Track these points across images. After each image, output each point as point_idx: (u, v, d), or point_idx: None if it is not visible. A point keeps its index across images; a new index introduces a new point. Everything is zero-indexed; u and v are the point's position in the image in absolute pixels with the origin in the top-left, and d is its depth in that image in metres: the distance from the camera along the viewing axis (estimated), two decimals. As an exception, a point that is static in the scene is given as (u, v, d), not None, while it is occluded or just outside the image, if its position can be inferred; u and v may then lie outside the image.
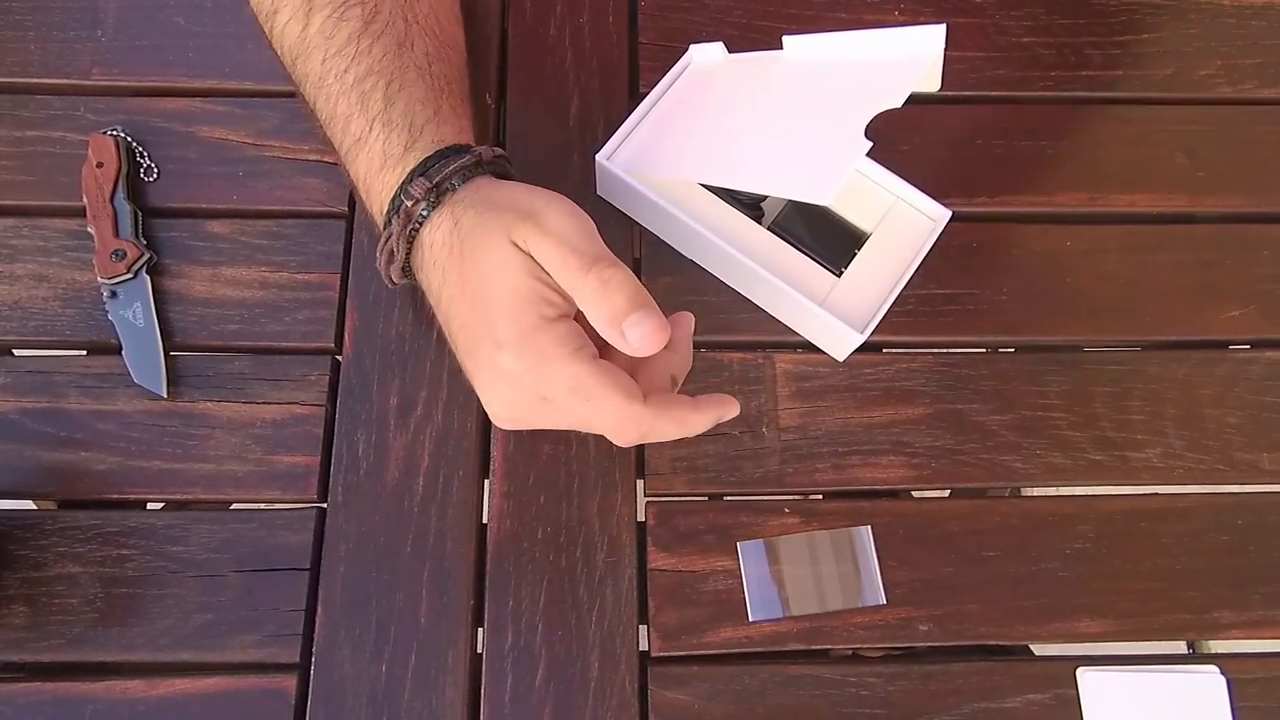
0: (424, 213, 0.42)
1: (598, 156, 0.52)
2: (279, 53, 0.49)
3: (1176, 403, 0.53)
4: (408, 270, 0.44)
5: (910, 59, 0.46)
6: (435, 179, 0.42)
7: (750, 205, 0.53)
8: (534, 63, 0.58)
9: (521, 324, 0.38)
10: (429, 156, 0.42)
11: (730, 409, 0.41)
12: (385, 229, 0.43)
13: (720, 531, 0.49)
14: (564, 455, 0.50)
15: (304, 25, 0.47)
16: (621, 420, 0.38)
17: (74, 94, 0.56)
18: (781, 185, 0.46)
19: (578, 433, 0.50)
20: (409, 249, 0.43)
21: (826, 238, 0.52)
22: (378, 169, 0.44)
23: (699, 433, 0.41)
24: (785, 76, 0.52)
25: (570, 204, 0.40)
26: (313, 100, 0.47)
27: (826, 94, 0.49)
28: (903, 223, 0.53)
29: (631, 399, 0.38)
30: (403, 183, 0.42)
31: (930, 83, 0.47)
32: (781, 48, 0.52)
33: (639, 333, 0.37)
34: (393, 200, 0.42)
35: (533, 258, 0.38)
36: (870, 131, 0.43)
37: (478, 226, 0.40)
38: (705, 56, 0.55)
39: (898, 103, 0.44)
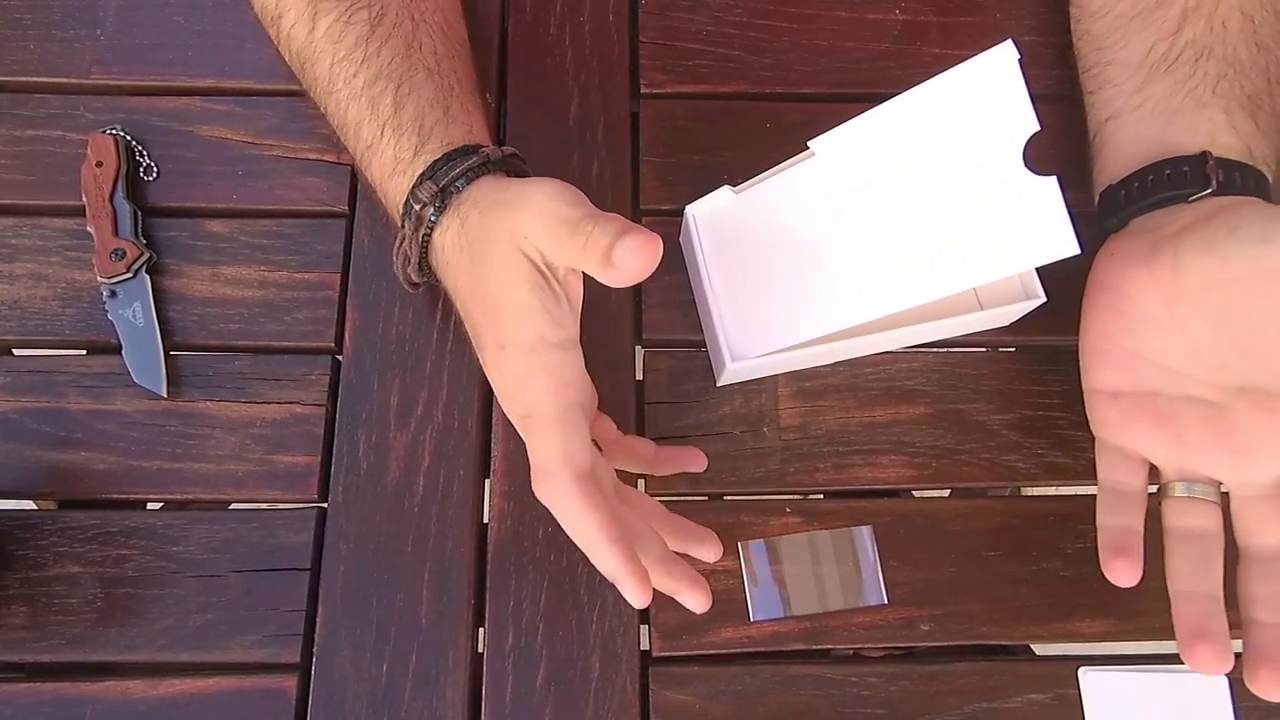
0: (433, 217, 0.42)
1: (728, 365, 0.47)
2: (286, 56, 0.49)
3: (1178, 402, 0.52)
4: (425, 271, 0.45)
5: (983, 87, 0.41)
6: (441, 182, 0.42)
7: None
8: (534, 61, 0.58)
9: (521, 338, 0.39)
10: (436, 160, 0.43)
11: (698, 461, 0.48)
12: (400, 232, 0.44)
13: (721, 531, 0.49)
14: (565, 455, 0.50)
15: (310, 29, 0.46)
16: (560, 460, 0.39)
17: (73, 93, 0.56)
18: (1002, 263, 0.41)
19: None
20: (423, 252, 0.44)
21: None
22: (389, 174, 0.44)
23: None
24: (849, 178, 0.45)
25: (555, 181, 0.40)
26: (323, 105, 0.47)
27: (930, 164, 0.43)
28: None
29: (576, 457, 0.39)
30: (412, 187, 0.43)
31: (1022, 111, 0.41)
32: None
33: (625, 249, 0.35)
34: (404, 205, 0.43)
35: (530, 260, 0.39)
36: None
37: (483, 227, 0.40)
38: (710, 205, 0.49)
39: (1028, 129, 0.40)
